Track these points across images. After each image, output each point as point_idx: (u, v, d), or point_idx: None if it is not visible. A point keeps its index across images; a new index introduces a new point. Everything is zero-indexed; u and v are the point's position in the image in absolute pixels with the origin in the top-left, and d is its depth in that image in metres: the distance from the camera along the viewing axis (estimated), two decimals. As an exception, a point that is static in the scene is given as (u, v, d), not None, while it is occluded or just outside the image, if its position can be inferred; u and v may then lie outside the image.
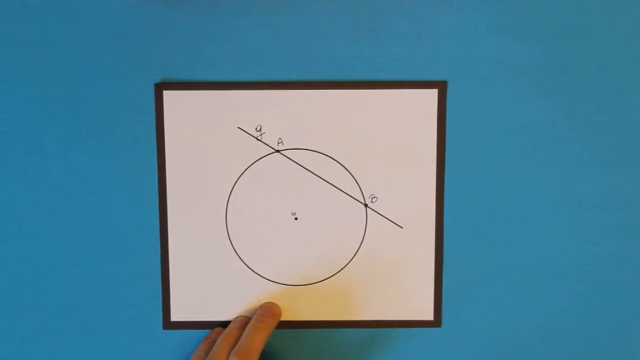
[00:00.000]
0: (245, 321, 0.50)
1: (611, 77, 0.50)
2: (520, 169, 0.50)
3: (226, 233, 0.51)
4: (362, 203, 0.51)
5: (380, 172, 0.50)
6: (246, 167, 0.50)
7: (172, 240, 0.51)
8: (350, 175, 0.51)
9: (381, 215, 0.51)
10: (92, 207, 0.50)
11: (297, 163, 0.50)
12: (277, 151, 0.50)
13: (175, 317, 0.51)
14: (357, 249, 0.51)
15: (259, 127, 0.50)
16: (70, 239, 0.51)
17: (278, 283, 0.51)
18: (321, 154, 0.50)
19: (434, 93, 0.50)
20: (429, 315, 0.51)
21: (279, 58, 0.49)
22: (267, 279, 0.51)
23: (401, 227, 0.51)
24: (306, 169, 0.51)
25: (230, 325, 0.50)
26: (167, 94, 0.50)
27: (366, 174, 0.50)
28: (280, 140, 0.50)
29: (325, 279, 0.51)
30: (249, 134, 0.50)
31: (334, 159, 0.50)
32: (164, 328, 0.51)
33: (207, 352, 0.49)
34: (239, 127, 0.50)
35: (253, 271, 0.51)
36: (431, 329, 0.51)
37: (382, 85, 0.50)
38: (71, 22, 0.49)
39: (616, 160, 0.50)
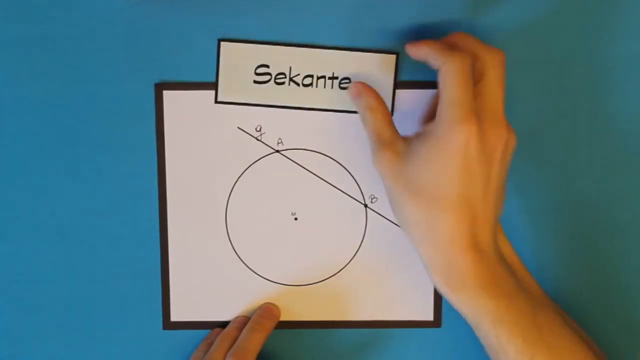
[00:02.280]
0: (244, 321, 0.50)
1: (611, 76, 0.50)
2: (519, 169, 0.50)
3: (226, 233, 0.51)
4: (362, 203, 0.51)
5: (380, 172, 0.50)
6: (246, 167, 0.50)
7: (172, 240, 0.51)
8: (350, 176, 0.51)
9: (381, 215, 0.51)
10: (92, 207, 0.50)
11: (297, 163, 0.50)
12: (277, 151, 0.50)
13: (175, 317, 0.51)
14: (357, 249, 0.51)
15: (259, 127, 0.50)
16: (70, 239, 0.51)
17: (278, 283, 0.51)
18: (321, 154, 0.50)
19: (433, 93, 0.50)
20: (429, 316, 0.51)
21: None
22: (266, 279, 0.51)
23: (401, 227, 0.51)
24: (306, 169, 0.51)
25: (229, 326, 0.50)
26: (167, 94, 0.50)
27: (366, 174, 0.50)
28: (280, 140, 0.50)
29: (325, 279, 0.51)
30: (249, 134, 0.50)
31: (334, 159, 0.50)
32: (164, 328, 0.51)
33: (206, 353, 0.49)
34: (239, 127, 0.50)
35: (253, 271, 0.51)
36: (431, 329, 0.51)
37: (382, 85, 0.50)
38: (71, 22, 0.49)
39: (616, 160, 0.50)
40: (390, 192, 0.44)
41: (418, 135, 0.44)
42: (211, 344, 0.49)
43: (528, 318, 0.43)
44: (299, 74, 0.49)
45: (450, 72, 0.42)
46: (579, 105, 0.50)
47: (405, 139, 0.45)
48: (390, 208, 0.45)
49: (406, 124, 0.50)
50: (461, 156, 0.42)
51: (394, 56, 0.49)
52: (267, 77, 0.49)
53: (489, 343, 0.43)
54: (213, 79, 0.49)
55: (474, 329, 0.44)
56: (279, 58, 0.49)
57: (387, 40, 0.49)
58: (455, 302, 0.43)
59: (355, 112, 0.49)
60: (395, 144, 0.45)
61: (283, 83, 0.49)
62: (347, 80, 0.49)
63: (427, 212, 0.42)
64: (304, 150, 0.50)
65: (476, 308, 0.42)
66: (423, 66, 0.49)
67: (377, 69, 0.49)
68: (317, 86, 0.49)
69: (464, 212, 0.42)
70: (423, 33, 0.49)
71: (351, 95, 0.48)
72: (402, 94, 0.50)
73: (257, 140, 0.50)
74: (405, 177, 0.43)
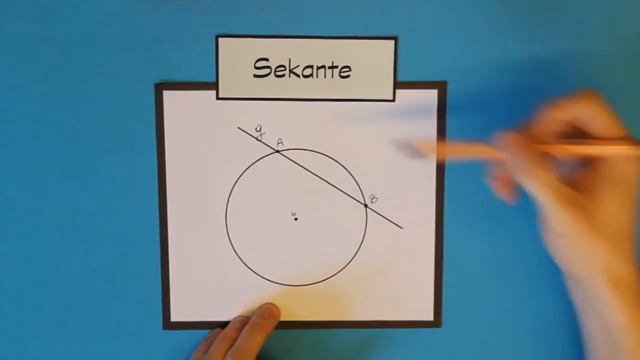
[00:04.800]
0: (244, 321, 0.50)
1: (611, 77, 0.50)
2: (520, 169, 0.50)
3: (226, 233, 0.51)
4: (362, 203, 0.51)
5: (380, 172, 0.50)
6: (246, 167, 0.50)
7: (172, 240, 0.51)
8: (350, 176, 0.51)
9: (381, 215, 0.51)
10: (92, 207, 0.50)
11: (297, 163, 0.50)
12: (277, 151, 0.50)
13: (175, 317, 0.51)
14: (357, 249, 0.51)
15: (259, 127, 0.50)
16: (70, 239, 0.51)
17: (278, 283, 0.51)
18: (321, 154, 0.50)
19: (434, 93, 0.50)
20: (429, 316, 0.51)
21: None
22: (267, 279, 0.51)
23: (401, 228, 0.51)
24: (306, 169, 0.51)
25: (228, 326, 0.50)
26: (167, 94, 0.50)
27: (366, 174, 0.50)
28: (280, 141, 0.50)
29: (325, 279, 0.51)
30: (249, 134, 0.50)
31: (334, 159, 0.50)
32: (164, 328, 0.51)
33: (206, 353, 0.48)
34: (239, 127, 0.50)
35: (253, 271, 0.51)
36: (431, 329, 0.51)
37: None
38: (71, 22, 0.49)
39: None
40: (568, 242, 0.44)
41: (592, 183, 0.43)
42: (211, 344, 0.49)
43: None
44: (298, 66, 0.49)
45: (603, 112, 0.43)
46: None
47: (574, 187, 0.44)
48: (557, 253, 0.45)
49: (407, 124, 0.50)
50: None
51: (392, 41, 0.49)
52: (267, 71, 0.49)
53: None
54: (213, 79, 0.49)
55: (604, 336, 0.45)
56: (278, 50, 0.49)
57: (384, 26, 0.49)
58: (636, 327, 0.44)
59: (355, 100, 0.50)
60: (576, 198, 0.43)
61: (283, 75, 0.49)
62: (347, 69, 0.49)
63: (620, 247, 0.43)
64: (304, 150, 0.50)
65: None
66: (423, 66, 0.50)
67: (376, 55, 0.49)
68: (317, 77, 0.49)
69: None
70: (420, 16, 0.49)
71: (506, 148, 0.44)
72: (402, 93, 0.50)
73: (257, 140, 0.50)
74: (594, 226, 0.42)
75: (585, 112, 0.43)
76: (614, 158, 0.43)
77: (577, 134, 0.45)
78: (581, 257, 0.44)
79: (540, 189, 0.42)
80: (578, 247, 0.43)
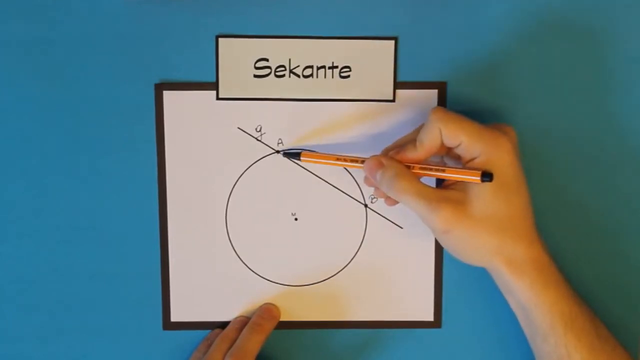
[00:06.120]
0: (244, 322, 0.50)
1: (611, 77, 0.50)
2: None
3: (226, 233, 0.51)
4: (362, 203, 0.51)
5: (380, 172, 0.50)
6: (246, 167, 0.50)
7: (172, 240, 0.51)
8: (350, 176, 0.51)
9: (381, 215, 0.51)
10: (92, 207, 0.50)
11: (297, 163, 0.50)
12: (277, 151, 0.50)
13: (175, 317, 0.51)
14: (357, 250, 0.51)
15: (259, 127, 0.50)
16: (70, 239, 0.51)
17: (278, 283, 0.51)
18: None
19: (434, 93, 0.50)
20: (429, 316, 0.51)
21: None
22: (267, 280, 0.51)
23: (401, 228, 0.51)
24: (306, 170, 0.51)
25: (228, 327, 0.50)
26: (167, 94, 0.50)
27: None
28: (280, 141, 0.50)
29: (325, 279, 0.51)
30: (249, 134, 0.50)
31: (334, 159, 0.50)
32: (164, 329, 0.51)
33: (206, 353, 0.48)
34: (239, 128, 0.50)
35: (253, 271, 0.51)
36: (431, 329, 0.51)
37: (382, 85, 0.50)
38: (71, 23, 0.49)
39: (616, 160, 0.50)
40: (455, 238, 0.45)
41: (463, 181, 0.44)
42: (211, 344, 0.49)
43: (593, 327, 0.45)
44: (298, 66, 0.49)
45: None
46: (579, 106, 0.50)
47: (447, 187, 0.45)
48: (452, 250, 0.46)
49: (407, 124, 0.50)
50: (518, 171, 0.45)
51: (392, 42, 0.49)
52: (267, 71, 0.49)
53: (554, 352, 0.45)
54: (213, 79, 0.49)
55: (540, 342, 0.46)
56: (278, 51, 0.49)
57: (384, 26, 0.49)
58: (542, 302, 0.45)
59: (355, 100, 0.49)
60: (447, 195, 0.44)
61: (283, 76, 0.49)
62: (347, 69, 0.49)
63: (505, 233, 0.44)
64: (304, 151, 0.50)
65: (557, 305, 0.45)
66: (423, 66, 0.50)
67: (376, 55, 0.49)
68: (317, 77, 0.49)
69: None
70: (419, 18, 0.49)
71: (370, 170, 0.45)
72: (402, 93, 0.50)
73: (257, 140, 0.50)
74: (473, 218, 0.44)
75: (435, 133, 0.44)
76: (481, 151, 0.44)
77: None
78: (471, 248, 0.45)
79: (404, 196, 0.44)
80: (463, 239, 0.44)
